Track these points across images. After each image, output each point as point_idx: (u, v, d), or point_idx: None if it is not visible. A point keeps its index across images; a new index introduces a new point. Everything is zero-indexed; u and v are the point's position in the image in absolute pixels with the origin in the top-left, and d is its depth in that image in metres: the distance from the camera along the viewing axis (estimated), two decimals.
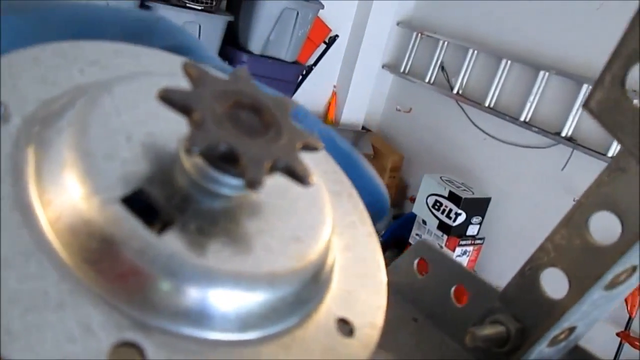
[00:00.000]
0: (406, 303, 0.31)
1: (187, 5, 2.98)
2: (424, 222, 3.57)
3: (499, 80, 3.59)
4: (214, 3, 3.04)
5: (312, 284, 0.19)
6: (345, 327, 0.19)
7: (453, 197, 3.35)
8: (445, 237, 3.41)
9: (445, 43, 3.99)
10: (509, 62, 3.54)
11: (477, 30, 3.80)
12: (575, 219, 0.23)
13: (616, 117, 0.17)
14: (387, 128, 4.62)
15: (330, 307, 0.19)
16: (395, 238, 3.85)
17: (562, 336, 0.21)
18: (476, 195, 3.41)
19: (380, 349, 0.19)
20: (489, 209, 3.48)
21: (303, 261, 0.19)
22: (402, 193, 4.28)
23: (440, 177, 3.50)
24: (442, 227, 3.42)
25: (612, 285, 0.20)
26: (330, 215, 0.21)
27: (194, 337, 0.16)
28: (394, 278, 0.35)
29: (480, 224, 3.47)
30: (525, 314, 0.21)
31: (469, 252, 3.51)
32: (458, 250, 3.40)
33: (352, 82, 4.24)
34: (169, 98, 0.16)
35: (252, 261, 0.18)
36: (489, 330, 0.23)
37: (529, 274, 0.22)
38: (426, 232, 3.58)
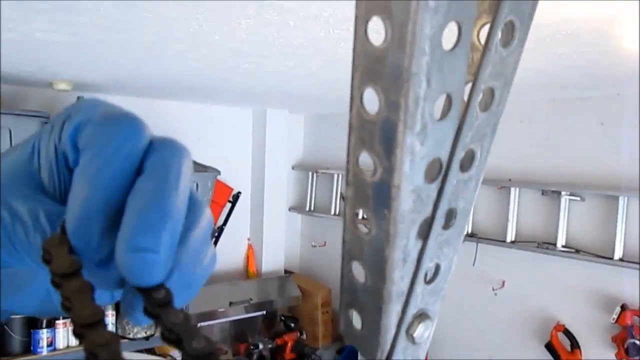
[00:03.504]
0: None
1: None
2: None
3: None
4: None
5: None
6: None
7: None
8: None
9: (340, 175, 4.31)
10: None
11: None
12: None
13: None
14: (308, 266, 4.74)
15: None
16: None
17: None
18: None
19: None
20: None
21: None
22: (339, 326, 4.29)
23: None
24: None
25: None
26: None
27: None
28: None
29: None
30: None
31: None
32: None
33: (264, 231, 4.39)
34: None
35: None
36: None
37: None
38: None
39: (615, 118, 2.92)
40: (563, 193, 3.05)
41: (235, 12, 1.60)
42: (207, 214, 0.29)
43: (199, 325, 3.63)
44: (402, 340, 0.25)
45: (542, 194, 3.19)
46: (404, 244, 0.23)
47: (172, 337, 0.24)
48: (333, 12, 1.57)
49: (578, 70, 2.28)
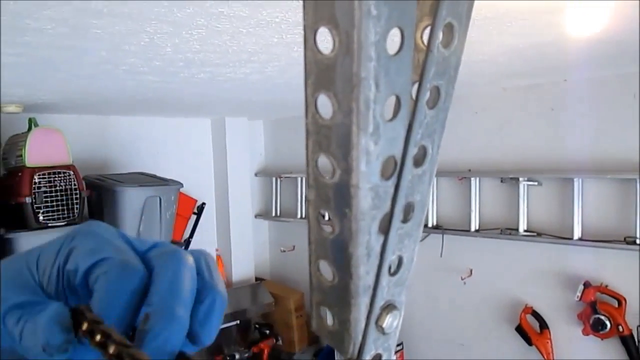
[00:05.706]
0: None
1: (49, 225, 2.99)
2: None
3: None
4: (76, 215, 3.09)
5: None
6: None
7: None
8: None
9: (303, 178, 4.32)
10: None
11: None
12: None
13: None
14: (279, 271, 4.73)
15: None
16: None
17: None
18: None
19: None
20: None
21: None
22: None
23: None
24: None
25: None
26: None
27: None
28: None
29: None
30: None
31: None
32: None
33: (232, 240, 4.36)
34: None
35: None
36: None
37: None
38: None
39: (564, 103, 3.02)
40: (521, 179, 3.14)
41: (186, 23, 1.59)
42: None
43: None
44: (372, 331, 0.26)
45: (501, 181, 3.28)
46: (367, 240, 0.24)
47: None
48: (284, 18, 1.58)
49: (526, 59, 2.36)
